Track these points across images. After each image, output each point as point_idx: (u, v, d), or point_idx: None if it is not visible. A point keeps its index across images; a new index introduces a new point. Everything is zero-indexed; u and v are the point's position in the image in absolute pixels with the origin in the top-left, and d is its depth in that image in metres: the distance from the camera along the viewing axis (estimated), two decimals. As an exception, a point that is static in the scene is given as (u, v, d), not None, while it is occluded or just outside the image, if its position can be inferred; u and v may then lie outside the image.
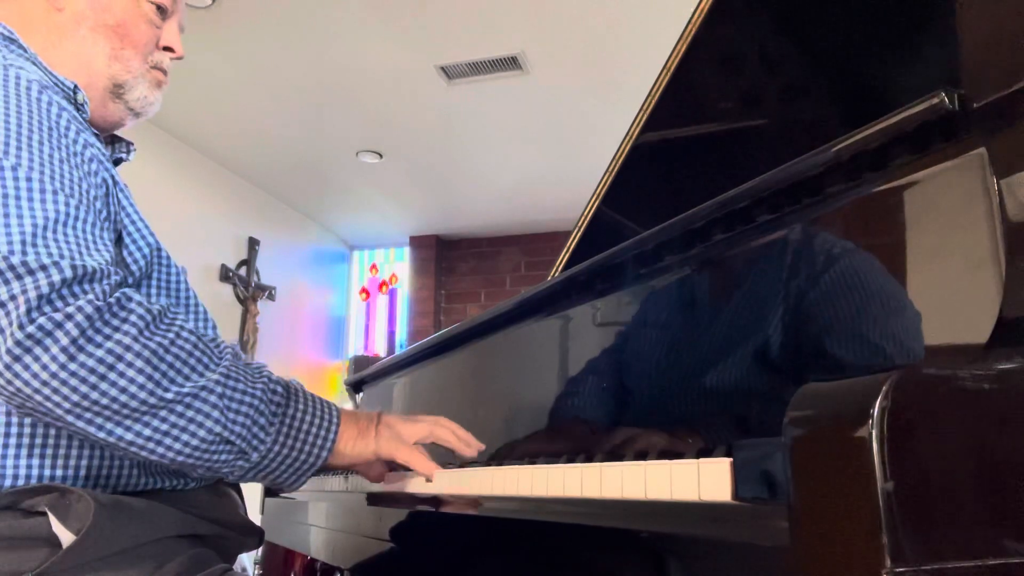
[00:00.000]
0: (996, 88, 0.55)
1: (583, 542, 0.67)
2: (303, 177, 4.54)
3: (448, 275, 5.48)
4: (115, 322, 0.69)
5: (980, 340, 0.50)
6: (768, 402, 0.70)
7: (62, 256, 0.70)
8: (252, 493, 0.92)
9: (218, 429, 0.73)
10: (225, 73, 3.43)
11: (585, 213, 1.44)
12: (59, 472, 0.78)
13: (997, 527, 0.43)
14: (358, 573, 1.28)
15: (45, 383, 0.66)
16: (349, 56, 3.29)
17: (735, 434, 0.72)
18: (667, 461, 0.57)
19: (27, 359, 0.65)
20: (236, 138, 4.06)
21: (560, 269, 1.48)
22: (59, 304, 0.67)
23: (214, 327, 1.02)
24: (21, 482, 0.76)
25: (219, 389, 0.74)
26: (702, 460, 0.53)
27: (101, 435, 0.69)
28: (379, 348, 5.36)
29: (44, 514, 0.73)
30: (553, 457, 0.78)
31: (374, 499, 1.08)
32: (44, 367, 0.66)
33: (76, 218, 0.74)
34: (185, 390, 0.72)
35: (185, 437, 0.72)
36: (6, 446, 0.76)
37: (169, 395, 0.71)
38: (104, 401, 0.68)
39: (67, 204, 0.74)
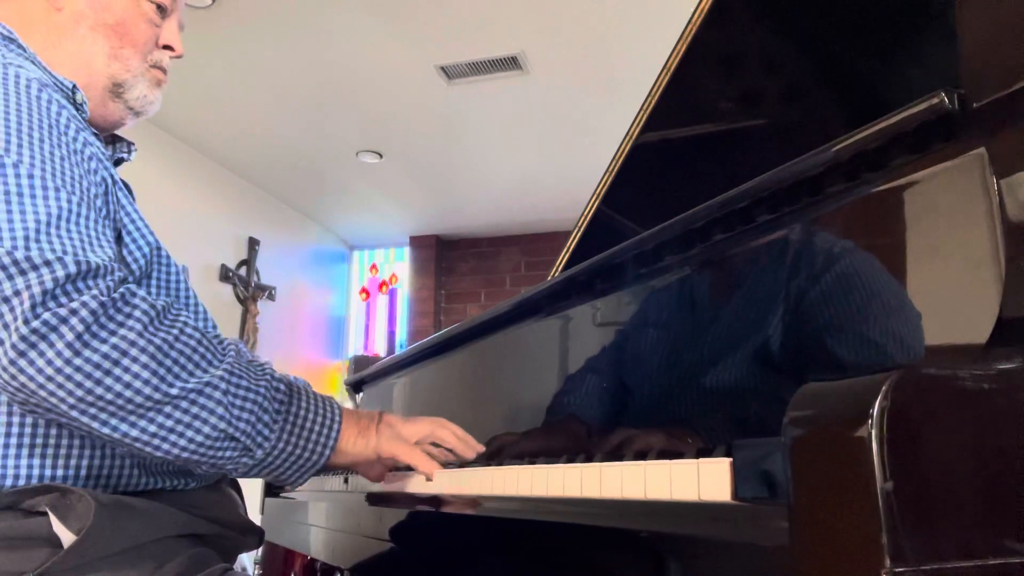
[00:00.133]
0: (996, 88, 0.55)
1: (583, 542, 0.67)
2: (303, 177, 4.54)
3: (448, 275, 5.48)
4: (119, 317, 0.70)
5: (980, 340, 0.50)
6: (768, 402, 0.70)
7: (65, 252, 0.70)
8: (252, 493, 0.92)
9: (223, 425, 0.73)
10: (225, 73, 3.43)
11: (585, 213, 1.44)
12: (60, 472, 0.78)
13: (997, 527, 0.43)
14: (358, 573, 1.28)
15: (50, 378, 0.66)
16: (349, 56, 3.29)
17: (735, 434, 0.72)
18: (667, 461, 0.57)
19: (32, 355, 0.66)
20: (236, 138, 4.06)
21: (560, 269, 1.48)
22: (63, 300, 0.67)
23: (214, 327, 1.02)
24: (22, 482, 0.76)
25: (223, 385, 0.74)
26: (702, 460, 0.53)
27: (105, 431, 0.69)
28: (379, 348, 5.36)
29: (45, 514, 0.73)
30: (553, 457, 0.78)
31: (374, 499, 1.08)
32: (49, 362, 0.66)
33: (78, 214, 0.74)
34: (190, 386, 0.72)
35: (190, 433, 0.72)
36: (7, 446, 0.76)
37: (174, 391, 0.71)
38: (109, 396, 0.68)
39: (69, 201, 0.74)
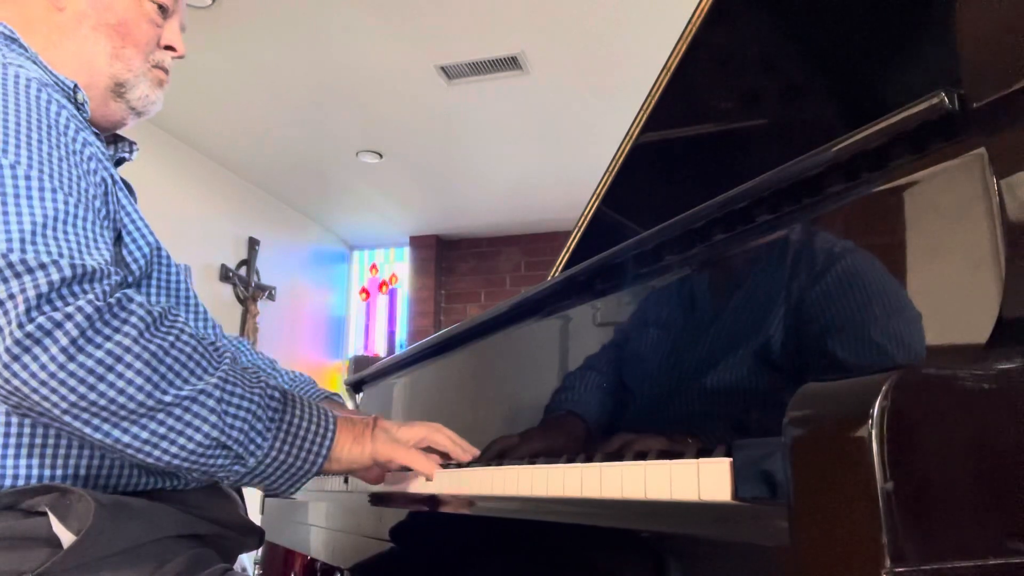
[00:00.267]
0: (996, 88, 0.55)
1: (583, 542, 0.67)
2: (303, 177, 4.54)
3: (448, 275, 5.48)
4: (115, 323, 0.69)
5: (980, 340, 0.50)
6: (768, 402, 0.70)
7: (61, 255, 0.70)
8: (252, 493, 0.92)
9: (215, 433, 0.73)
10: (225, 73, 3.43)
11: (585, 213, 1.44)
12: (59, 472, 0.78)
13: (997, 527, 0.43)
14: (358, 573, 1.28)
15: (43, 383, 0.66)
16: (349, 56, 3.29)
17: (735, 434, 0.72)
18: (667, 461, 0.57)
19: (26, 358, 0.65)
20: (236, 138, 4.06)
21: (560, 269, 1.48)
22: (59, 303, 0.67)
23: (214, 327, 1.02)
24: (21, 482, 0.76)
25: (217, 393, 0.74)
26: (702, 460, 0.53)
27: (97, 436, 0.69)
28: (379, 348, 5.36)
29: (44, 514, 0.73)
30: (553, 457, 0.78)
31: (376, 499, 1.08)
32: (43, 367, 0.65)
33: (76, 216, 0.74)
34: (183, 393, 0.72)
35: (182, 441, 0.72)
36: (6, 446, 0.76)
37: (167, 398, 0.71)
38: (102, 402, 0.68)
39: (66, 203, 0.74)
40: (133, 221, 0.87)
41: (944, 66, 0.73)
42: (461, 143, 4.07)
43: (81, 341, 0.67)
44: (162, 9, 0.97)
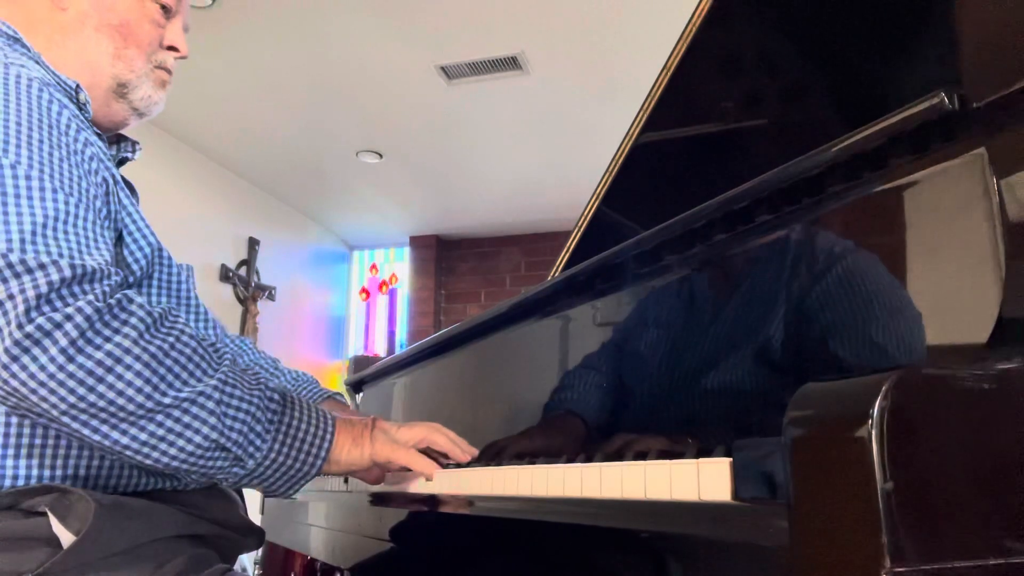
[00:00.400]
0: (996, 88, 0.55)
1: (583, 542, 0.67)
2: (303, 177, 4.54)
3: (448, 275, 5.48)
4: (115, 324, 0.69)
5: (980, 340, 0.50)
6: (768, 402, 0.70)
7: (61, 255, 0.69)
8: (252, 493, 0.92)
9: (214, 436, 0.73)
10: (225, 73, 3.43)
11: (585, 213, 1.44)
12: (59, 473, 0.78)
13: (997, 527, 0.43)
14: (358, 573, 1.28)
15: (42, 384, 0.65)
16: (349, 56, 3.29)
17: (735, 434, 0.72)
18: (667, 461, 0.57)
19: (25, 359, 0.65)
20: (236, 138, 4.06)
21: (560, 269, 1.48)
22: (58, 304, 0.67)
23: (214, 327, 1.02)
24: (21, 483, 0.76)
25: (216, 395, 0.74)
26: (702, 460, 0.53)
27: (96, 438, 0.69)
28: (379, 348, 5.36)
29: (44, 514, 0.73)
30: (553, 457, 0.78)
31: (376, 499, 1.08)
32: (42, 368, 0.65)
33: (76, 216, 0.74)
34: (183, 395, 0.71)
35: (181, 443, 0.72)
36: (5, 447, 0.76)
37: (167, 400, 0.70)
38: (101, 404, 0.67)
39: (67, 203, 0.73)
40: (135, 221, 0.86)
41: (944, 66, 0.73)
42: (461, 143, 4.07)
43: (80, 342, 0.67)
44: (165, 9, 0.96)
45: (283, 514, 1.67)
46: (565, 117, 3.75)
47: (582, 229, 1.44)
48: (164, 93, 0.99)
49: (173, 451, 0.72)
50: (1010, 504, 0.43)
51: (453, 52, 3.23)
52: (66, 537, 0.72)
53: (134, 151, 1.01)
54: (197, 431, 0.72)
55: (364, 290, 5.45)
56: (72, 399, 0.66)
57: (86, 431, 0.68)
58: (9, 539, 0.73)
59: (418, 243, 5.46)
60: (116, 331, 0.69)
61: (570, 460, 0.72)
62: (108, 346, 0.68)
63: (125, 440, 0.70)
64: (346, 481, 1.25)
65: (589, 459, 0.69)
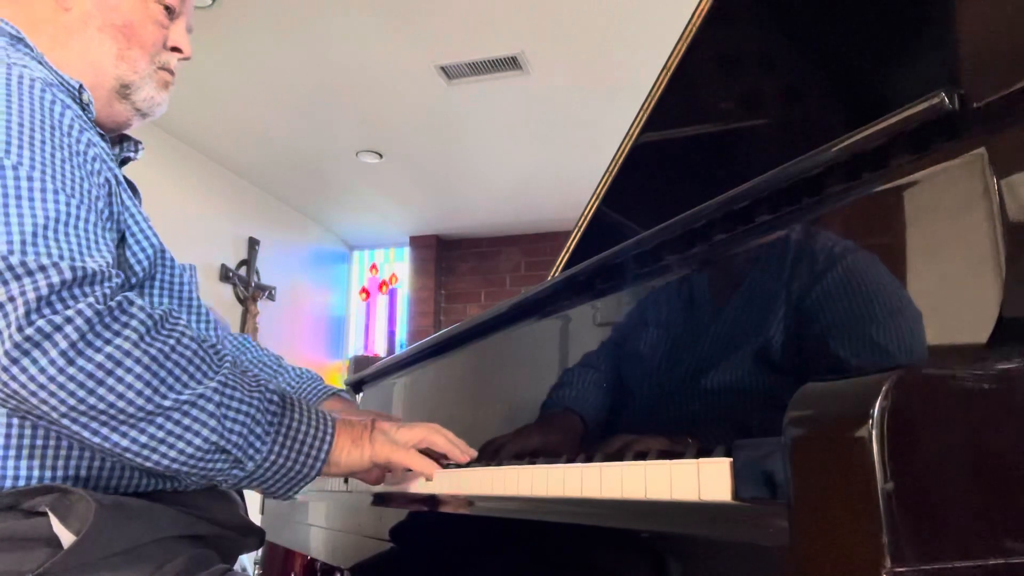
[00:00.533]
0: (996, 88, 0.55)
1: (583, 542, 0.67)
2: (303, 177, 4.54)
3: (448, 275, 5.48)
4: (116, 327, 0.69)
5: (980, 340, 0.50)
6: (768, 402, 0.70)
7: (62, 257, 0.69)
8: (253, 493, 0.92)
9: (214, 438, 0.73)
10: (225, 73, 3.43)
11: (585, 213, 1.44)
12: (59, 473, 0.78)
13: (997, 527, 0.43)
14: (358, 573, 1.28)
15: (42, 386, 0.65)
16: (349, 56, 3.29)
17: (735, 434, 0.72)
18: (667, 461, 0.57)
19: (25, 362, 0.65)
20: (236, 138, 4.06)
21: (560, 269, 1.48)
22: (59, 307, 0.67)
23: (216, 328, 1.02)
24: (21, 483, 0.76)
25: (217, 397, 0.74)
26: (702, 460, 0.53)
27: (96, 440, 0.69)
28: (379, 348, 5.36)
29: (45, 514, 0.73)
30: (553, 457, 0.78)
31: (376, 499, 1.08)
32: (42, 370, 0.65)
33: (77, 218, 0.74)
34: (183, 397, 0.71)
35: (181, 445, 0.71)
36: (6, 448, 0.76)
37: (167, 402, 0.70)
38: (101, 406, 0.67)
39: (68, 204, 0.73)
40: (137, 223, 0.86)
41: (944, 66, 0.73)
42: (461, 143, 4.07)
43: (81, 345, 0.66)
44: (168, 10, 0.96)
45: (283, 514, 1.67)
46: (565, 117, 3.75)
47: (582, 229, 1.44)
48: (167, 94, 0.99)
49: (173, 453, 0.71)
50: (1010, 504, 0.43)
51: (453, 52, 3.23)
52: (66, 537, 0.72)
53: (137, 151, 1.01)
54: (197, 433, 0.72)
55: (364, 290, 5.45)
56: (72, 401, 0.66)
57: (86, 433, 0.68)
58: (10, 539, 0.73)
59: (418, 243, 5.46)
60: (117, 334, 0.69)
61: (570, 460, 0.72)
62: (108, 348, 0.68)
63: (125, 442, 0.70)
64: (346, 481, 1.25)
65: (589, 459, 0.69)
